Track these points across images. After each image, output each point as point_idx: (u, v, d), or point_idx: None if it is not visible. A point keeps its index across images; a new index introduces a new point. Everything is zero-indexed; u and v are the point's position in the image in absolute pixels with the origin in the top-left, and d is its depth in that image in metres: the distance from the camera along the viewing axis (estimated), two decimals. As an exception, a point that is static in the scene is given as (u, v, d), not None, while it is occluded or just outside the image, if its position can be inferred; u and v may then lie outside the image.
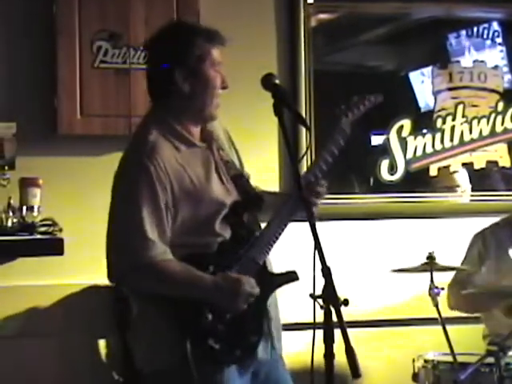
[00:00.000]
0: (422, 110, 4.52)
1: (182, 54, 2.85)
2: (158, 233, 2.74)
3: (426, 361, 3.62)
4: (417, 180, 4.49)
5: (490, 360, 3.36)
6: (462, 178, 4.53)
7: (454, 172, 4.51)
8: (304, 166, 4.10)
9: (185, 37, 2.87)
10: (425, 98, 4.52)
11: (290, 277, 2.93)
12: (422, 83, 4.51)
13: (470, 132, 4.51)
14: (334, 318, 2.40)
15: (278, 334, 2.98)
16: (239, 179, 2.98)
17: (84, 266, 3.89)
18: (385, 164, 4.38)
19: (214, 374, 2.77)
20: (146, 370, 2.87)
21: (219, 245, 2.83)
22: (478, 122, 4.51)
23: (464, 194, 4.51)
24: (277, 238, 2.89)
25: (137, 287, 2.83)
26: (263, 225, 2.93)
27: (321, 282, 2.43)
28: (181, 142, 2.86)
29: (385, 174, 4.38)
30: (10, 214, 3.70)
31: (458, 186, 4.52)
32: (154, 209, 2.74)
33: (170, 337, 2.75)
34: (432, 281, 3.56)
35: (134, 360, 2.95)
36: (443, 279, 3.74)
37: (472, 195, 4.51)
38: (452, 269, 3.81)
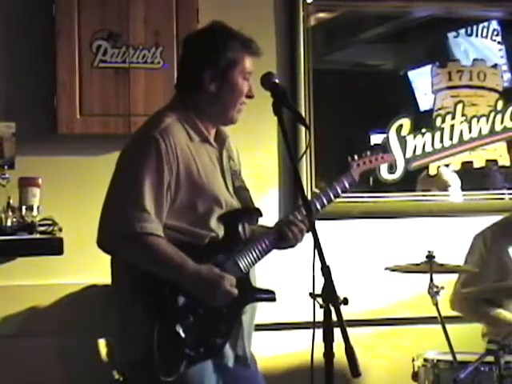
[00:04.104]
0: (422, 109, 4.53)
1: (215, 55, 2.87)
2: (155, 208, 2.74)
3: (425, 360, 3.62)
4: (416, 179, 4.49)
5: (490, 359, 3.36)
6: (451, 178, 4.52)
7: (443, 172, 4.52)
8: (303, 166, 4.15)
9: (222, 38, 2.89)
10: (424, 96, 4.52)
11: (269, 295, 2.93)
12: (422, 82, 4.51)
13: (470, 131, 4.50)
14: (334, 317, 2.40)
15: (249, 345, 2.97)
16: (243, 191, 2.99)
17: (84, 266, 3.89)
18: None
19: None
20: (122, 359, 2.91)
21: (210, 239, 2.84)
22: (478, 121, 4.51)
23: (454, 193, 4.52)
24: (266, 252, 2.91)
25: (125, 256, 2.81)
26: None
27: (320, 281, 2.44)
28: (196, 133, 2.89)
29: (384, 173, 4.37)
30: (10, 213, 3.69)
31: (448, 186, 4.52)
32: (157, 184, 2.75)
33: (142, 326, 2.74)
34: (431, 280, 3.55)
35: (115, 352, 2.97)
36: (443, 278, 3.73)
37: (471, 194, 4.51)
38: (451, 268, 3.80)
